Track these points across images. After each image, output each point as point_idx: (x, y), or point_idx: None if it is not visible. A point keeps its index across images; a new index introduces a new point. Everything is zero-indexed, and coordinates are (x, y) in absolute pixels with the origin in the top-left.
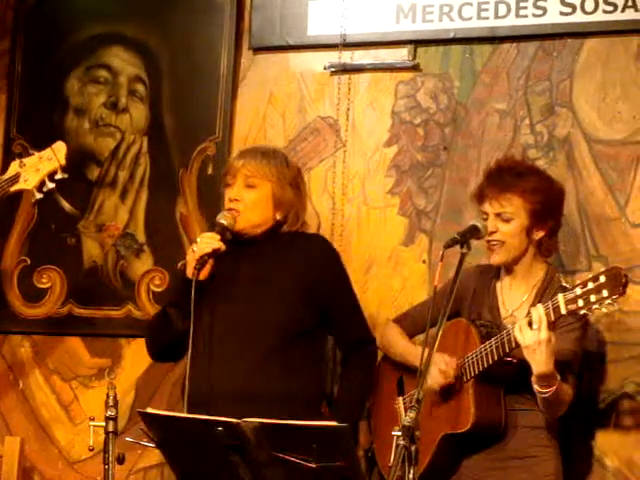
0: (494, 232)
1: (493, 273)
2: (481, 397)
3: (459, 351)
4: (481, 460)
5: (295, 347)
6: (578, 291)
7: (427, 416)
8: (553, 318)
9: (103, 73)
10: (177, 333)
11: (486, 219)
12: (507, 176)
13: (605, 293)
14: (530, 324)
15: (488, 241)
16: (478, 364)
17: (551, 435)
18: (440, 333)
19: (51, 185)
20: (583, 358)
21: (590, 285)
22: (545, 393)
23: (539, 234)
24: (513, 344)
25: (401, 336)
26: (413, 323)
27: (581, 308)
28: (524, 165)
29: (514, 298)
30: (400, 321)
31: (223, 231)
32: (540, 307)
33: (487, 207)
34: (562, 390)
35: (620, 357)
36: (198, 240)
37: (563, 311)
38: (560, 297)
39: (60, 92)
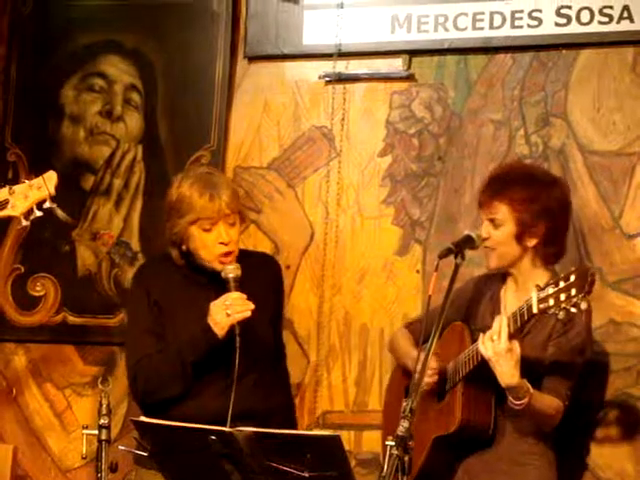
0: (487, 238)
1: (499, 279)
2: (469, 401)
3: (455, 355)
4: (472, 464)
5: (279, 367)
6: (550, 290)
7: (423, 419)
8: (522, 320)
9: (98, 81)
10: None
11: (482, 224)
12: (499, 183)
13: (573, 292)
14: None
15: (485, 248)
16: (459, 371)
17: (544, 444)
18: (434, 341)
19: (39, 214)
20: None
21: (561, 284)
22: (517, 405)
23: (532, 241)
24: (479, 357)
25: (404, 340)
26: (419, 331)
27: (551, 307)
28: (524, 172)
29: (515, 304)
30: (410, 326)
31: (237, 284)
32: (503, 317)
33: (481, 212)
34: (540, 403)
35: (613, 368)
36: (227, 302)
37: (535, 310)
38: (534, 295)
39: (55, 100)
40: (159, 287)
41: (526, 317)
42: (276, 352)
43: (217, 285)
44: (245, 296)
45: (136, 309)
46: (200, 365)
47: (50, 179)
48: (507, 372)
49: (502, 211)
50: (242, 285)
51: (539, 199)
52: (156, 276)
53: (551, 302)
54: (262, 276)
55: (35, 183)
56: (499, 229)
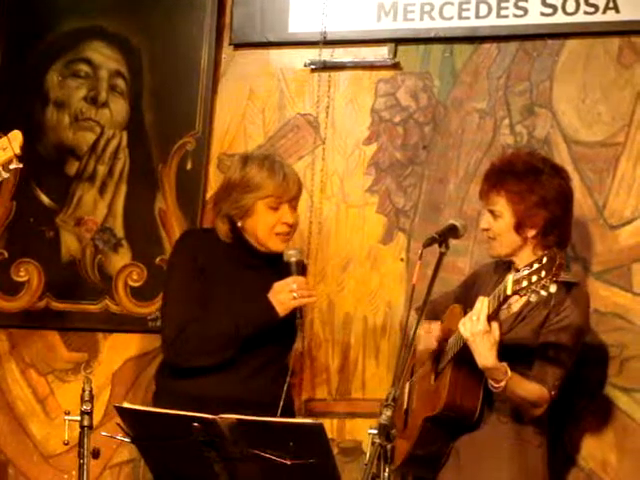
0: (488, 229)
1: (507, 266)
2: (456, 383)
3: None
4: (462, 445)
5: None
6: (525, 272)
7: (420, 397)
8: (498, 302)
9: (83, 67)
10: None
11: (484, 214)
12: (497, 175)
13: (543, 274)
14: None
15: (486, 237)
16: (449, 352)
17: (534, 431)
18: (419, 324)
19: (6, 175)
20: None
21: (535, 266)
22: (495, 388)
23: (531, 232)
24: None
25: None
26: (432, 311)
27: (524, 289)
28: (525, 163)
29: None
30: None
31: (299, 269)
32: (484, 299)
33: (482, 203)
34: (520, 388)
35: (597, 358)
36: (293, 285)
37: (509, 292)
38: (509, 277)
39: (40, 86)
40: (205, 255)
41: (501, 298)
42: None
43: (264, 266)
44: (309, 282)
45: (182, 272)
46: (246, 342)
47: (15, 138)
48: (483, 353)
49: (500, 203)
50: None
51: (535, 191)
52: (203, 244)
53: (524, 284)
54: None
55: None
56: (498, 220)
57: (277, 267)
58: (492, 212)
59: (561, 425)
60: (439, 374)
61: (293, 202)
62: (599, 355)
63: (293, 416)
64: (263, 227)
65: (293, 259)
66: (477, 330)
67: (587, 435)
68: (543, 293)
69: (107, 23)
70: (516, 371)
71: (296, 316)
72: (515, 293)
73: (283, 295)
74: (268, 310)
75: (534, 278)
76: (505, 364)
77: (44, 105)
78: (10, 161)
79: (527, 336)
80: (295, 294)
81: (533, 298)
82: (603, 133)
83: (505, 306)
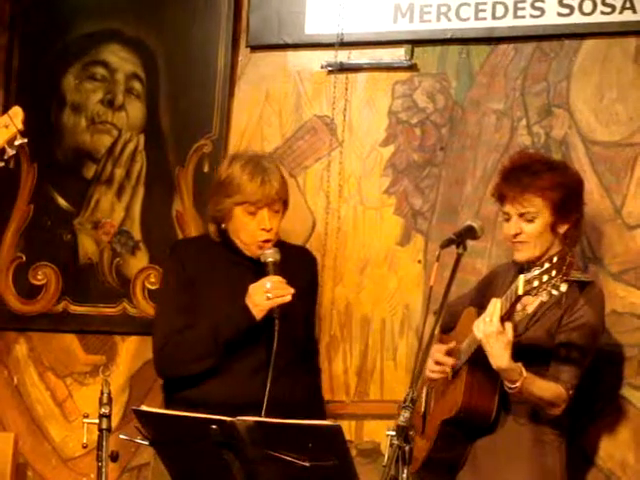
0: (519, 234)
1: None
2: (472, 385)
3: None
4: (480, 448)
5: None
6: (536, 272)
7: (440, 399)
8: (510, 302)
9: (100, 70)
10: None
11: (508, 219)
12: (524, 176)
13: (553, 273)
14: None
15: (512, 242)
16: (465, 354)
17: (552, 432)
18: (438, 328)
19: (11, 152)
20: None
21: (546, 266)
22: (511, 389)
23: (564, 227)
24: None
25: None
26: (450, 314)
27: (535, 288)
28: (539, 161)
29: None
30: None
31: (276, 268)
32: (497, 300)
33: (509, 208)
34: (537, 387)
35: (615, 359)
36: (267, 286)
37: (520, 291)
38: (521, 278)
39: (57, 89)
40: (194, 263)
41: (514, 298)
42: (307, 347)
43: (253, 266)
44: (285, 280)
45: (170, 283)
46: (230, 346)
47: (16, 115)
48: (497, 354)
49: (535, 204)
50: (279, 274)
51: (567, 184)
52: (192, 252)
53: (535, 284)
54: (298, 269)
55: (1, 122)
56: (534, 222)
57: (261, 267)
58: (524, 215)
59: (579, 426)
60: (455, 376)
61: (274, 207)
62: (617, 355)
63: (324, 417)
64: (243, 233)
65: (270, 259)
66: (490, 331)
67: (605, 435)
68: (554, 292)
69: (124, 26)
70: (532, 371)
71: (273, 317)
72: (527, 293)
73: (258, 297)
74: (244, 313)
75: (545, 278)
76: (520, 364)
77: (61, 108)
78: (14, 137)
79: (542, 336)
80: (270, 294)
81: (545, 297)
82: (621, 133)
83: (520, 307)
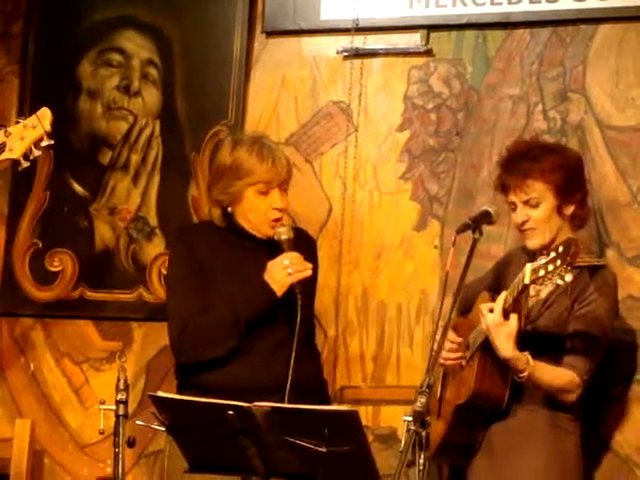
0: (526, 221)
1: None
2: (484, 371)
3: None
4: (493, 434)
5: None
6: (542, 261)
7: (455, 384)
8: (517, 291)
9: (116, 56)
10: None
11: (514, 209)
12: (523, 162)
13: (559, 262)
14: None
15: (521, 230)
16: (476, 340)
17: (568, 417)
18: (454, 315)
19: (38, 153)
20: None
21: (552, 254)
22: (519, 377)
23: (570, 208)
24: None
25: None
26: (464, 298)
27: (541, 278)
28: (536, 145)
29: None
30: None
31: (291, 245)
32: (504, 292)
33: (513, 197)
34: (547, 375)
35: (631, 344)
36: (286, 262)
37: (526, 281)
38: (528, 266)
39: (73, 75)
40: (202, 248)
41: (520, 287)
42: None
43: (262, 247)
44: (302, 256)
45: (181, 269)
46: (251, 326)
47: (44, 116)
48: (501, 344)
49: (537, 188)
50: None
51: (568, 164)
52: (199, 237)
53: (541, 273)
54: (299, 250)
55: (29, 122)
56: (539, 207)
57: (272, 247)
58: (528, 202)
59: (595, 411)
60: (468, 362)
61: (283, 186)
62: (633, 340)
63: (328, 400)
64: (253, 213)
65: (284, 237)
66: (492, 323)
67: (622, 421)
68: (560, 282)
69: (139, 12)
70: (544, 358)
71: (295, 292)
72: (533, 282)
73: (277, 273)
74: (265, 291)
75: (550, 267)
76: (527, 353)
77: (77, 94)
78: (41, 139)
79: (554, 323)
80: (290, 270)
81: (550, 287)
82: (637, 118)
83: (534, 292)
